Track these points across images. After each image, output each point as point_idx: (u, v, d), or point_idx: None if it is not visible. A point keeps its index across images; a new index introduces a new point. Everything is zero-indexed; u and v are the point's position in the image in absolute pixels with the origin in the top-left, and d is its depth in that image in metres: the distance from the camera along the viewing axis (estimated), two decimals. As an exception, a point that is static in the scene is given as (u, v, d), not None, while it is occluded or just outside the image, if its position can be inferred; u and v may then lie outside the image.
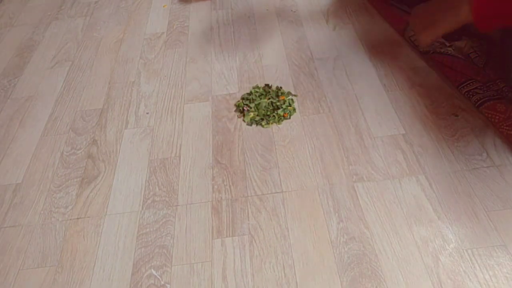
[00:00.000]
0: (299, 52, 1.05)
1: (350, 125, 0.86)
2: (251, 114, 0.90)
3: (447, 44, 0.98)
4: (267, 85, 0.97)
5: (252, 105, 0.92)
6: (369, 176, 0.77)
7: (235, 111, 0.93)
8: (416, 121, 0.85)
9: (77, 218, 0.76)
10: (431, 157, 0.79)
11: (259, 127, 0.88)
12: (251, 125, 0.89)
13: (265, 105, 0.91)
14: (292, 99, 0.93)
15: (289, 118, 0.89)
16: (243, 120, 0.90)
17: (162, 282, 0.66)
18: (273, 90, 0.95)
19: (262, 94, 0.94)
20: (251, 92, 0.96)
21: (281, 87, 0.96)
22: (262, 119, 0.89)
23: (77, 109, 0.98)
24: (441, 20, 0.72)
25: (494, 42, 0.95)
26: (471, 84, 0.88)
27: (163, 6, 1.30)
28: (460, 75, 0.90)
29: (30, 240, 0.74)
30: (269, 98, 0.93)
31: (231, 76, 1.02)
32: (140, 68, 1.08)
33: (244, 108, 0.91)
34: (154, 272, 0.67)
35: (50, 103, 1.01)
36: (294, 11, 1.21)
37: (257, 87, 0.97)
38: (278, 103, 0.91)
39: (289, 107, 0.91)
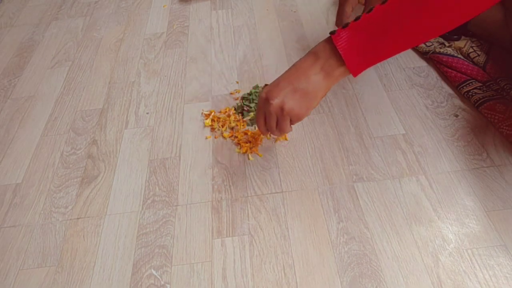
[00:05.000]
0: (299, 52, 1.05)
1: (350, 125, 0.86)
2: (251, 114, 0.90)
3: (447, 44, 0.98)
4: (267, 85, 0.97)
5: (252, 105, 0.92)
6: (369, 176, 0.77)
7: (235, 111, 0.93)
8: (416, 121, 0.85)
9: (77, 218, 0.76)
10: (431, 157, 0.79)
11: (259, 127, 0.88)
12: (251, 125, 0.89)
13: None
14: (292, 99, 0.92)
15: (289, 118, 0.89)
16: (243, 120, 0.90)
17: (162, 282, 0.66)
18: (273, 90, 0.95)
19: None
20: (251, 92, 0.95)
21: (281, 87, 0.96)
22: (262, 119, 0.89)
23: (77, 109, 0.98)
24: (317, 91, 0.64)
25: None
26: (470, 84, 0.88)
27: (163, 6, 1.30)
28: (460, 75, 0.90)
29: (30, 240, 0.74)
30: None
31: (231, 76, 1.02)
32: (140, 68, 1.08)
33: (244, 108, 0.91)
34: (154, 272, 0.67)
35: (50, 103, 1.01)
36: (294, 11, 1.21)
37: (257, 87, 0.97)
38: (278, 103, 0.91)
39: (289, 107, 0.91)
